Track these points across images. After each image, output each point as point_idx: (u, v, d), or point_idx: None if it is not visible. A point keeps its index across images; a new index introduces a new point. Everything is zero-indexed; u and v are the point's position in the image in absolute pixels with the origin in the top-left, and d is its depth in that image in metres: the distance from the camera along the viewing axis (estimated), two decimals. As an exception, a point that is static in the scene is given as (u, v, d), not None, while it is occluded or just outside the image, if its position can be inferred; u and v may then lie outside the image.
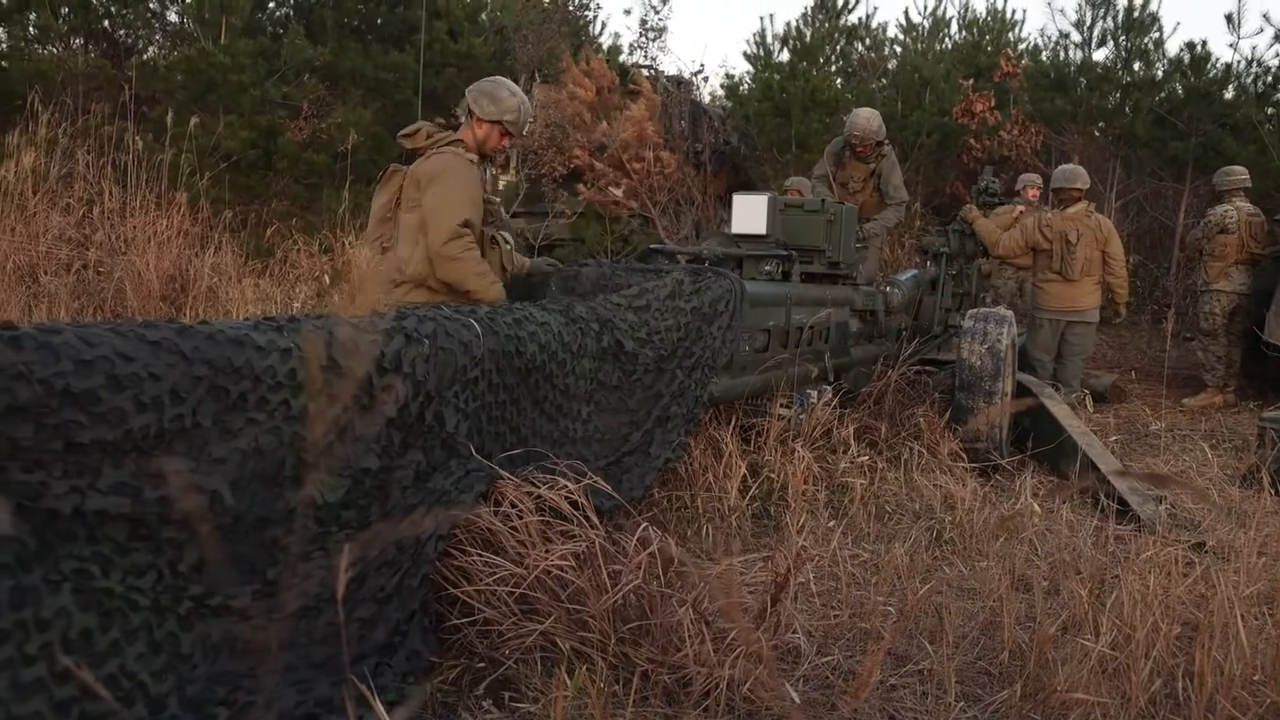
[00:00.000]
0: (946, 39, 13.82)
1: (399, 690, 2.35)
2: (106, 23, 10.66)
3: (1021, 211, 8.16)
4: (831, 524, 3.99)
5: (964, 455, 5.05)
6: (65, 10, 10.14)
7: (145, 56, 10.73)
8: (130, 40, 10.96)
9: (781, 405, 4.64)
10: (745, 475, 4.14)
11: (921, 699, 2.69)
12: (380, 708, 1.76)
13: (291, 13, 11.96)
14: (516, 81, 10.82)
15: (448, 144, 3.98)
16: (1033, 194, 9.04)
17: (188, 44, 10.29)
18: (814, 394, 4.96)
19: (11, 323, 1.91)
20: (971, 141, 11.29)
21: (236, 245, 8.14)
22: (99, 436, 1.88)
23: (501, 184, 9.49)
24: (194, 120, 8.73)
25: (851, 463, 4.58)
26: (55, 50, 10.16)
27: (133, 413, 1.97)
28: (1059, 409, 5.46)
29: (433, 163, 3.92)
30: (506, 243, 4.17)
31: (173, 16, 11.23)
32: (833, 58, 13.38)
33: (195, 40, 10.25)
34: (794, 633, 2.80)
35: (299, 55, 10.55)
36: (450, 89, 10.84)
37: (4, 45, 10.36)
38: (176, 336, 2.13)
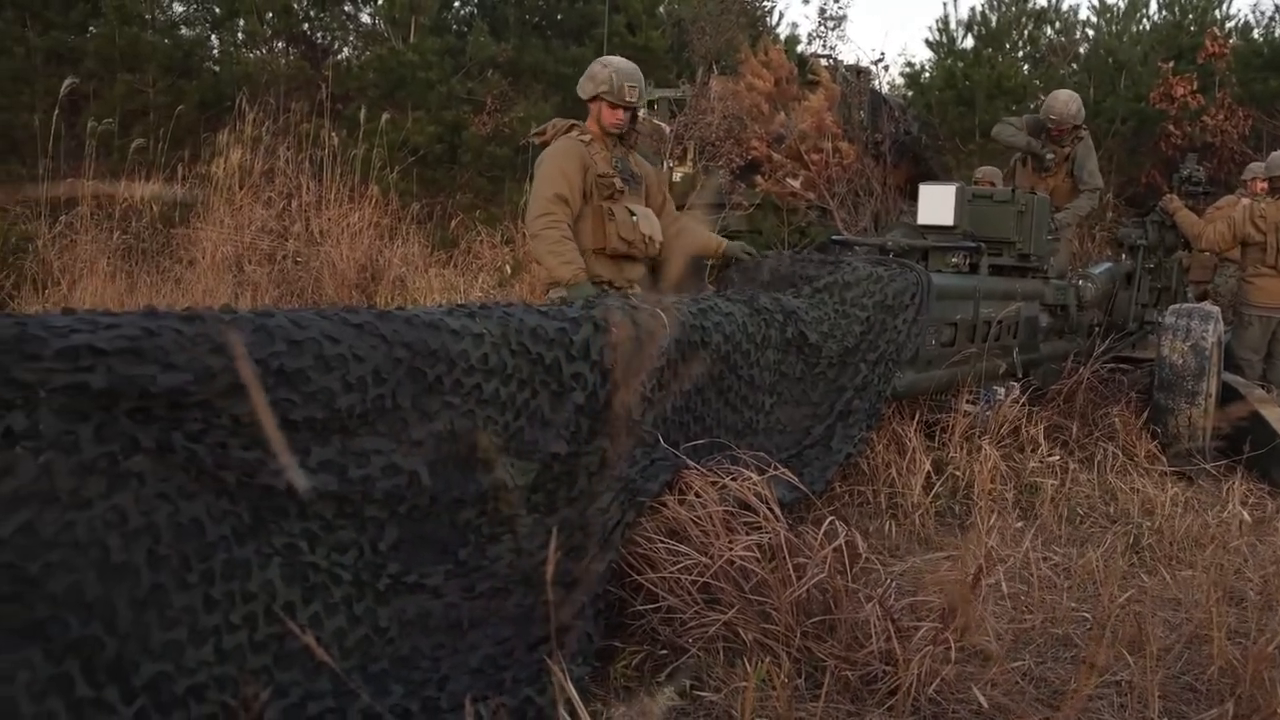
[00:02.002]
0: (1144, 20, 13.09)
1: (568, 671, 2.38)
2: (306, 26, 11.20)
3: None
4: (1020, 525, 3.84)
5: (1163, 458, 4.78)
6: (269, 15, 10.71)
7: (340, 57, 11.23)
8: (327, 42, 11.50)
9: (967, 401, 4.50)
10: (929, 472, 4.03)
11: (1120, 711, 2.56)
12: (571, 687, 1.79)
13: (475, 11, 12.30)
14: (694, 74, 10.86)
15: (566, 131, 4.20)
16: (1260, 187, 8.37)
17: (379, 44, 10.73)
18: (1001, 390, 4.79)
19: (230, 305, 2.02)
20: (1170, 128, 10.66)
21: (423, 236, 8.44)
22: (309, 415, 1.97)
23: (678, 176, 9.53)
24: (385, 116, 9.08)
25: (1041, 462, 4.40)
26: (260, 53, 10.75)
27: (340, 392, 2.05)
28: (1271, 411, 5.11)
29: (544, 152, 4.17)
30: (632, 214, 4.17)
31: (365, 18, 11.72)
32: (1019, 43, 12.86)
33: (386, 40, 10.66)
34: (983, 635, 2.71)
35: (483, 52, 10.84)
36: (631, 83, 10.92)
37: (216, 51, 11.05)
38: (377, 320, 2.21)
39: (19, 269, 7.04)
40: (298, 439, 1.97)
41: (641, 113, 10.15)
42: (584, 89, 4.22)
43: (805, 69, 10.65)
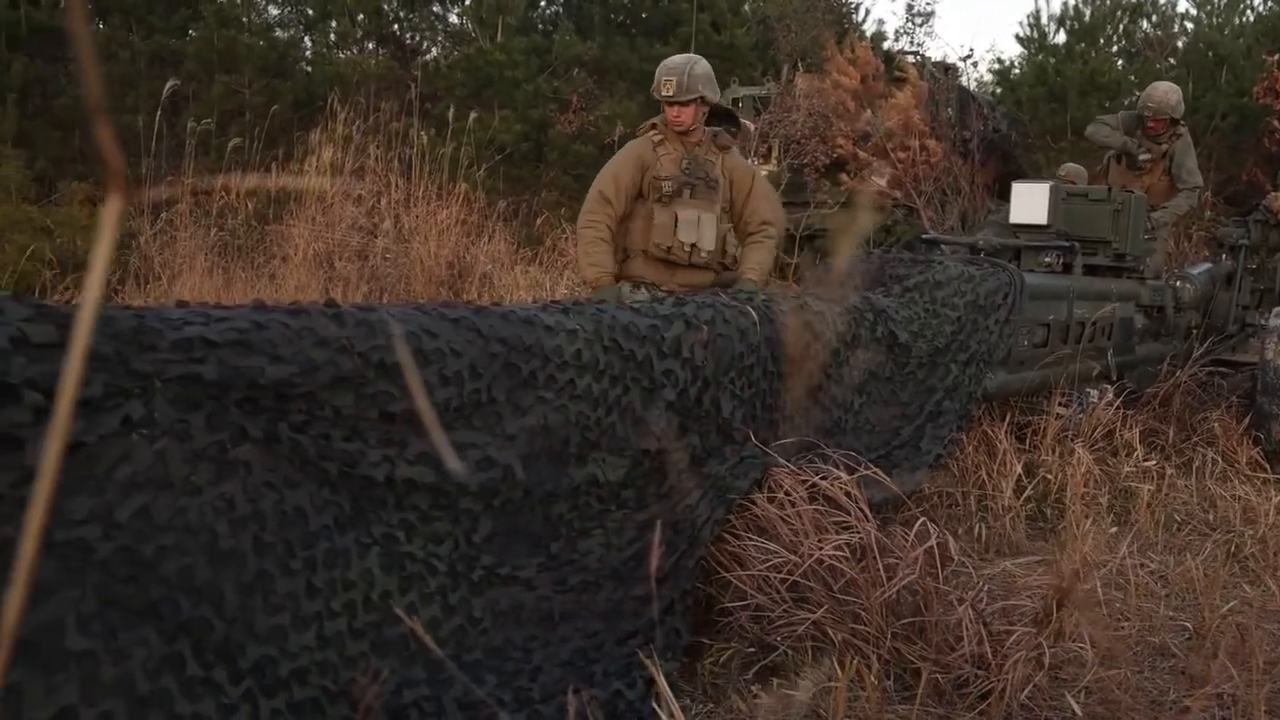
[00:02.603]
0: (1248, 11, 12.68)
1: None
2: (395, 27, 11.40)
3: None
4: (1114, 530, 3.75)
5: (1267, 465, 4.63)
6: (361, 17, 10.92)
7: (429, 57, 11.40)
8: (415, 42, 11.68)
9: (1060, 403, 4.41)
10: (1020, 475, 3.96)
11: (1224, 725, 2.49)
12: (663, 682, 1.80)
13: (561, 10, 12.39)
14: (779, 71, 10.80)
15: (647, 131, 4.26)
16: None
17: (467, 44, 10.87)
18: (1094, 393, 4.68)
19: (334, 300, 2.07)
20: (1275, 123, 10.31)
21: (509, 234, 8.53)
22: (408, 408, 2.01)
23: (763, 174, 9.49)
24: (472, 115, 9.20)
25: (1136, 467, 4.29)
26: (351, 54, 10.96)
27: (437, 386, 2.09)
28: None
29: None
30: (676, 219, 4.10)
31: (453, 18, 11.89)
32: (1114, 37, 12.55)
33: (473, 40, 10.80)
34: (1077, 642, 2.65)
35: (568, 51, 10.92)
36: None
37: (309, 52, 11.30)
38: (474, 315, 2.24)
39: (124, 264, 7.28)
40: (397, 431, 2.01)
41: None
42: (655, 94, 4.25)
43: (892, 66, 10.52)
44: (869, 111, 9.91)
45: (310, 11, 11.33)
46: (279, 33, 11.46)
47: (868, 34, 13.30)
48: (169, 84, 8.21)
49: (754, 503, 2.71)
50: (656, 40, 11.46)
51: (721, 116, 4.42)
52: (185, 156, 8.63)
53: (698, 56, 4.28)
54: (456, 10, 11.68)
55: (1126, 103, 9.48)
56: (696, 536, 2.50)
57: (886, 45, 12.41)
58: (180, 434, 1.68)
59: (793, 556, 2.62)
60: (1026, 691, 2.45)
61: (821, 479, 2.76)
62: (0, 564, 1.46)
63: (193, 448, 1.69)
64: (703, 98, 4.14)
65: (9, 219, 7.17)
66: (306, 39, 11.51)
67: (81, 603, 1.58)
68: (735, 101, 10.83)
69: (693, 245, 4.12)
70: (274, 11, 11.70)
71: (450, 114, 8.99)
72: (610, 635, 2.32)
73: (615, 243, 4.14)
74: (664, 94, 4.11)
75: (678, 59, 4.21)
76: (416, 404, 1.89)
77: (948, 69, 10.77)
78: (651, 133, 4.22)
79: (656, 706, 1.95)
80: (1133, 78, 11.27)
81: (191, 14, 10.79)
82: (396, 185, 8.61)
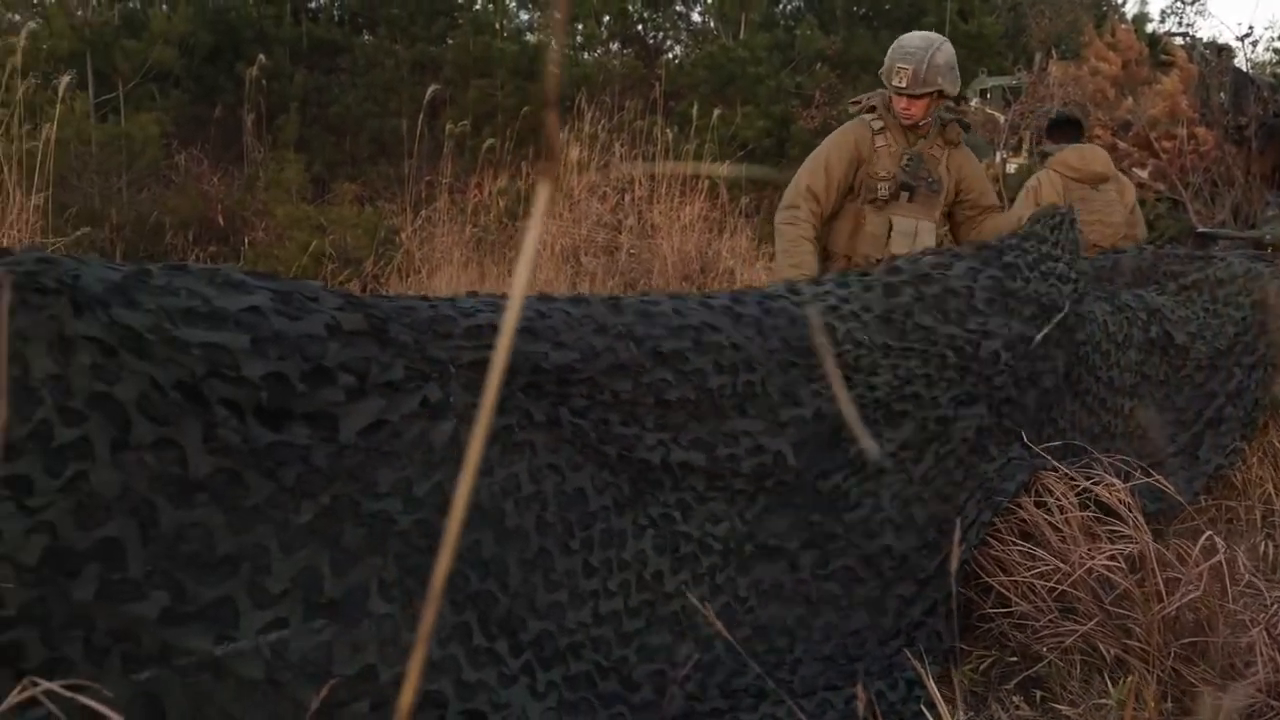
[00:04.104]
0: None
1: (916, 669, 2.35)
2: (640, 27, 11.65)
3: None
4: None
5: None
6: (606, 19, 11.22)
7: (672, 55, 11.59)
8: (659, 41, 11.90)
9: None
10: (1312, 490, 3.64)
11: None
12: (933, 686, 1.76)
13: (803, 5, 12.33)
14: (1031, 60, 10.35)
15: (866, 111, 3.69)
16: None
17: (709, 41, 10.97)
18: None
19: (617, 296, 2.14)
20: None
21: (751, 229, 8.56)
22: (684, 395, 2.05)
23: (1012, 168, 9.12)
24: (715, 112, 9.29)
25: None
26: (597, 55, 11.29)
27: (712, 374, 2.12)
28: None
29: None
30: (890, 228, 3.62)
31: (695, 16, 12.04)
32: None
33: (716, 37, 10.89)
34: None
35: (811, 45, 10.85)
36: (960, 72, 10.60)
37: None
38: (761, 313, 2.26)
39: (389, 258, 7.77)
40: (673, 418, 2.05)
41: (974, 101, 9.76)
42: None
43: (1157, 49, 9.91)
44: (1130, 99, 9.36)
45: (558, 15, 11.73)
46: (529, 37, 11.93)
47: (1129, 16, 12.55)
48: (431, 89, 8.69)
49: (1020, 506, 2.61)
50: (901, 31, 11.21)
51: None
52: (442, 157, 9.12)
53: (939, 38, 3.63)
54: (699, 9, 11.82)
55: None
56: (962, 538, 2.43)
57: (1151, 27, 11.66)
58: (472, 417, 1.78)
59: (1061, 564, 2.51)
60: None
61: (1094, 484, 2.63)
62: (324, 528, 1.59)
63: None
64: (940, 91, 3.56)
65: (291, 217, 7.79)
66: (554, 42, 11.93)
67: (383, 569, 1.70)
68: (983, 93, 10.45)
69: None
70: (524, 17, 12.20)
71: (694, 111, 9.11)
72: (872, 634, 2.30)
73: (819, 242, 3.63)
74: (895, 83, 3.53)
75: (916, 40, 3.60)
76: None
77: (1221, 50, 10.04)
78: (870, 117, 3.64)
79: (924, 710, 1.91)
80: None
81: (449, 23, 11.38)
82: (640, 182, 8.80)
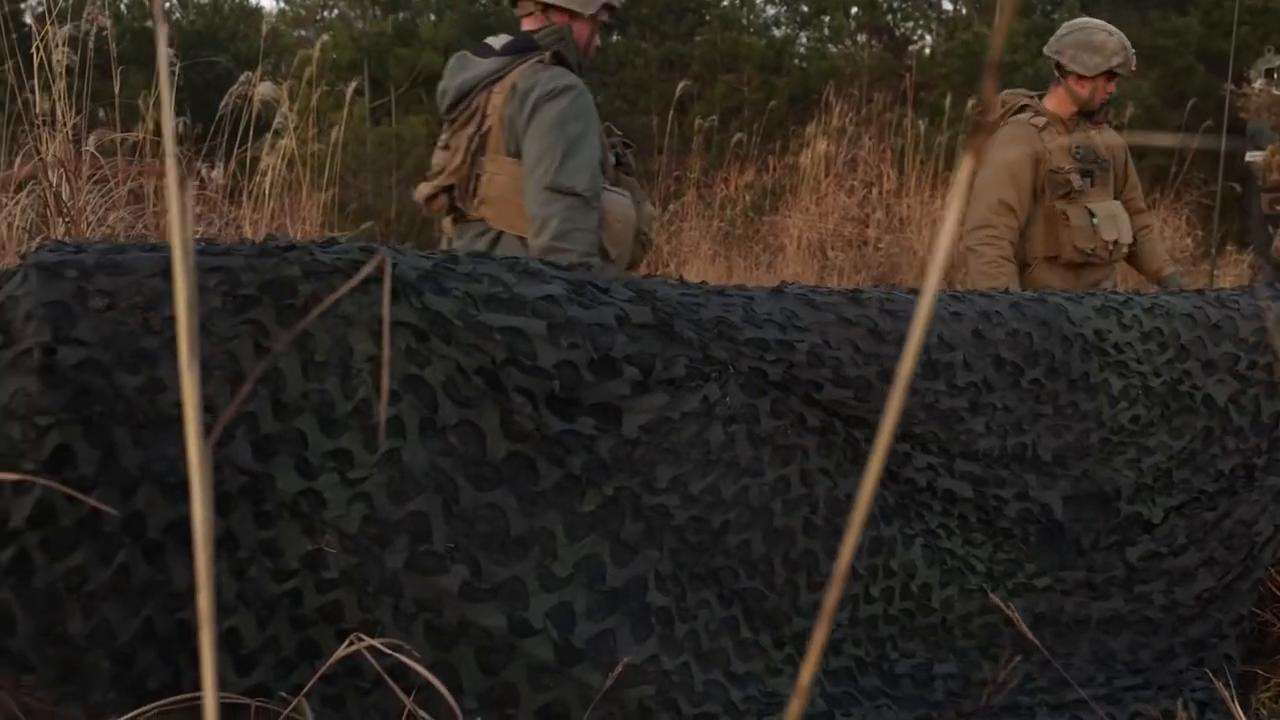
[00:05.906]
0: None
1: (1207, 690, 2.22)
2: (889, 18, 11.43)
3: None
4: None
5: None
6: (854, 10, 11.07)
7: (922, 46, 11.31)
8: (909, 32, 11.64)
9: None
10: None
11: None
12: (1237, 710, 1.67)
13: (1063, -14, 11.75)
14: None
15: (1015, 113, 3.61)
16: None
17: (962, 30, 10.63)
18: None
19: (858, 289, 2.13)
20: None
21: (1004, 224, 8.27)
22: (954, 406, 2.03)
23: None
24: (969, 103, 9.00)
25: None
26: (845, 47, 11.16)
27: (982, 433, 2.07)
28: None
29: (993, 140, 3.54)
30: (1093, 216, 3.50)
31: (947, 4, 11.69)
32: None
33: (969, 25, 10.54)
34: None
35: (1074, 30, 10.33)
36: (1241, 50, 9.81)
37: (804, 48, 11.66)
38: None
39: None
40: (945, 439, 2.03)
41: (1258, 83, 9.09)
42: (1086, 64, 3.55)
43: None
44: None
45: (805, 9, 11.68)
46: (775, 31, 11.92)
47: None
48: (681, 84, 8.84)
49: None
50: (1173, 11, 10.50)
51: None
52: (691, 152, 9.26)
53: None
54: (954, -3, 11.50)
55: None
56: (1255, 557, 2.28)
57: None
58: (749, 418, 1.83)
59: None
60: None
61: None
62: (605, 518, 1.67)
63: (758, 431, 1.83)
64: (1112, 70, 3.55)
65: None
66: (802, 35, 11.88)
67: (659, 563, 1.77)
68: (1269, 73, 9.63)
69: (1115, 242, 3.53)
70: (771, 11, 12.20)
71: (946, 102, 8.86)
72: (1148, 652, 2.20)
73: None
74: (1115, 64, 3.49)
75: (1096, 22, 3.66)
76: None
77: None
78: (1025, 116, 3.59)
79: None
80: None
81: (697, 19, 11.53)
82: (888, 176, 8.65)
